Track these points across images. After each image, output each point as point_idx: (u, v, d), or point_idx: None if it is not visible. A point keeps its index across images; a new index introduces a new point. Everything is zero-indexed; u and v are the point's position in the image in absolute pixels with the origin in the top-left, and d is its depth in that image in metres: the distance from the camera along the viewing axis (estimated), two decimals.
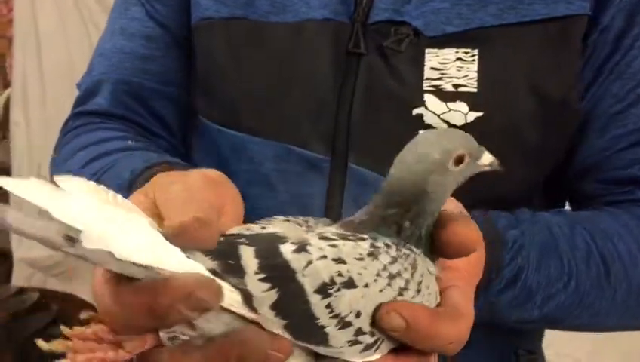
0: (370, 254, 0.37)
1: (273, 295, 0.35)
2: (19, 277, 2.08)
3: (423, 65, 0.58)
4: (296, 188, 0.60)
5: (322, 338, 0.36)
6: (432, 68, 0.58)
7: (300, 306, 0.35)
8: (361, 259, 0.37)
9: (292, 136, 0.60)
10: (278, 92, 0.61)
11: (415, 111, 0.57)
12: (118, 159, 0.59)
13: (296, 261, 0.36)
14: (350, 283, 0.36)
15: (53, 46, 1.98)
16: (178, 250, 0.34)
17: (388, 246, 0.39)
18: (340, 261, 0.36)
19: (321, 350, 0.36)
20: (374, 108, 0.59)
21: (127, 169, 0.55)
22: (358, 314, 0.36)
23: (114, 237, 0.32)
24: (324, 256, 0.36)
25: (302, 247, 0.36)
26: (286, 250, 0.36)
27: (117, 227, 0.33)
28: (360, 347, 0.37)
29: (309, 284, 0.35)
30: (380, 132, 0.58)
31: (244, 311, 0.34)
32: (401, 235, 0.40)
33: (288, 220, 0.42)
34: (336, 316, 0.36)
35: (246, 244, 0.36)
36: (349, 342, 0.36)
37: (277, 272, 0.35)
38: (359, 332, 0.36)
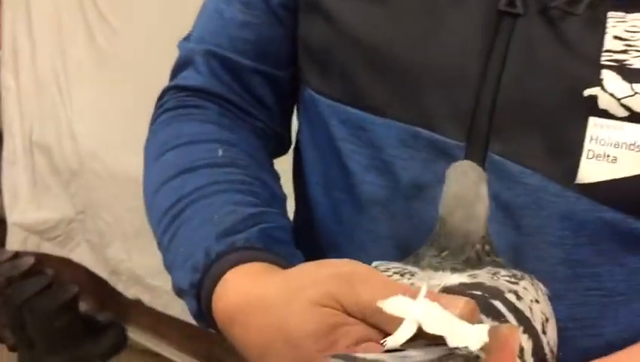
0: (536, 288, 0.42)
1: (530, 344, 0.39)
2: (13, 242, 2.08)
3: (603, 33, 0.46)
4: (421, 179, 0.51)
5: None
6: (616, 37, 0.46)
7: (541, 349, 0.40)
8: (539, 295, 0.42)
9: (421, 114, 0.50)
10: (412, 59, 0.51)
11: (587, 92, 0.46)
12: (196, 210, 0.52)
13: (524, 309, 0.40)
14: (547, 319, 0.41)
15: (42, 4, 1.93)
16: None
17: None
18: (537, 301, 0.41)
19: None
20: (530, 83, 0.48)
21: (201, 245, 0.48)
22: (555, 343, 0.42)
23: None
24: (532, 300, 0.41)
25: (518, 295, 0.40)
26: (513, 299, 0.40)
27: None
28: None
29: (539, 328, 0.40)
30: (534, 115, 0.48)
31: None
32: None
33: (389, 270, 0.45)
34: (551, 350, 0.41)
35: (493, 299, 0.39)
36: None
37: (524, 323, 0.39)
38: (557, 359, 0.42)
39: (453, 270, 0.43)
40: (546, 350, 0.40)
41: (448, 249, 0.43)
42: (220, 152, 0.56)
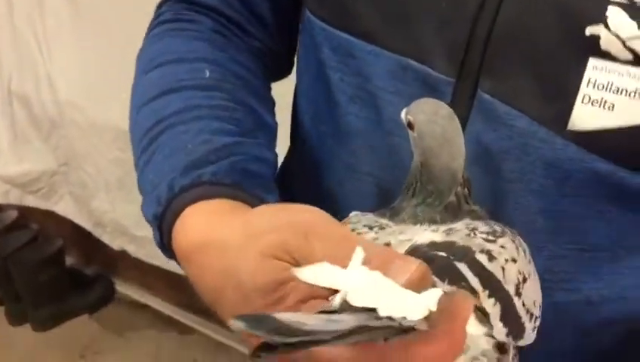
0: (517, 245, 0.40)
1: (498, 308, 0.37)
2: None
3: None
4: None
5: (522, 333, 0.39)
6: None
7: (513, 312, 0.38)
8: (519, 253, 0.40)
9: (412, 44, 0.48)
10: None
11: (589, 30, 0.42)
12: (171, 137, 0.50)
13: (495, 271, 0.38)
14: (524, 278, 0.39)
15: None
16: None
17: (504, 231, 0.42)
18: (513, 260, 0.39)
19: (518, 343, 0.39)
20: (529, 18, 0.45)
21: (168, 176, 0.47)
22: (534, 303, 0.40)
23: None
24: (507, 260, 0.39)
25: (490, 255, 0.38)
26: (484, 261, 0.38)
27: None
28: (535, 332, 0.41)
29: (512, 290, 0.38)
30: (530, 53, 0.45)
31: (485, 330, 0.37)
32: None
33: (370, 226, 0.43)
34: (527, 311, 0.39)
35: (457, 261, 0.38)
36: (532, 329, 0.40)
37: (492, 286, 0.38)
38: (536, 319, 0.40)
39: (432, 222, 0.42)
40: (521, 312, 0.39)
41: (429, 195, 0.42)
42: (207, 73, 0.53)
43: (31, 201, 1.98)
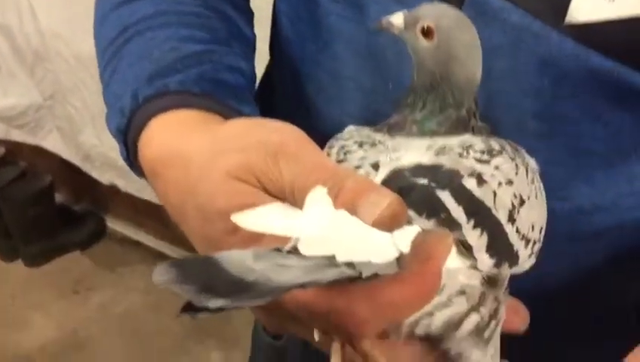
0: (516, 164, 0.38)
1: (484, 239, 0.34)
2: None
3: None
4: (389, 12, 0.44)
5: (516, 260, 0.37)
6: None
7: (503, 240, 0.35)
8: (517, 173, 0.37)
9: None
10: None
11: None
12: (138, 44, 0.46)
13: (485, 197, 0.35)
14: (521, 201, 0.37)
15: None
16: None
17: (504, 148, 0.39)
18: (509, 182, 0.36)
19: (512, 271, 0.37)
20: None
21: (132, 86, 0.43)
22: (532, 228, 0.38)
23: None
24: (500, 183, 0.36)
25: (480, 179, 0.35)
26: (472, 186, 0.35)
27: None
28: (533, 256, 0.38)
29: (503, 217, 0.35)
30: None
31: (467, 264, 0.34)
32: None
33: (361, 143, 0.40)
34: (523, 237, 0.37)
35: (440, 189, 0.34)
36: (529, 255, 0.38)
37: (479, 215, 0.35)
38: (534, 243, 0.38)
39: (435, 135, 0.39)
40: (513, 239, 0.36)
41: (445, 107, 0.40)
42: None
43: (18, 136, 1.96)
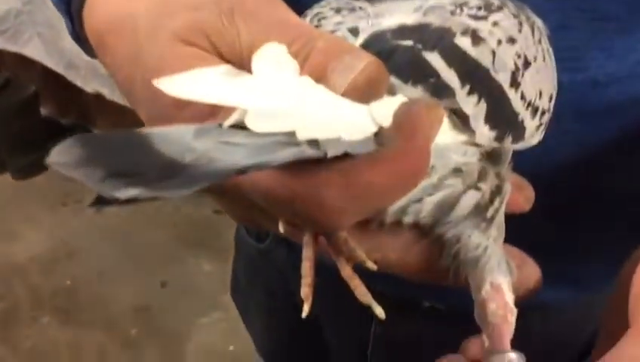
0: (520, 22, 0.33)
1: (482, 106, 0.30)
2: None
3: None
4: None
5: (522, 133, 0.32)
6: None
7: (505, 108, 0.31)
8: (520, 30, 0.32)
9: None
10: None
11: None
12: None
13: (482, 57, 0.30)
14: (526, 62, 0.32)
15: None
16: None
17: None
18: (511, 40, 0.31)
19: (516, 146, 0.32)
20: None
21: None
22: (540, 94, 0.33)
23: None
24: (500, 41, 0.31)
25: (476, 37, 0.30)
26: (466, 45, 0.30)
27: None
28: (542, 129, 0.33)
29: (504, 80, 0.31)
30: None
31: (461, 139, 0.29)
32: None
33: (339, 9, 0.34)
34: (529, 104, 0.32)
35: (427, 50, 0.29)
36: (537, 127, 0.33)
37: (476, 78, 0.30)
38: (542, 113, 0.33)
39: None
40: (517, 107, 0.31)
41: None
42: None
43: None
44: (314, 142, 0.22)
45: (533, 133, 0.33)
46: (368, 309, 0.30)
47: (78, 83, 1.88)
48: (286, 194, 0.24)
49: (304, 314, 0.30)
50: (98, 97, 1.91)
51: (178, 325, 1.73)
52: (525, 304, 0.56)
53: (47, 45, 1.86)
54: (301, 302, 0.30)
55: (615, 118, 0.45)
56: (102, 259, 1.91)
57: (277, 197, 0.24)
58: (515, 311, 0.31)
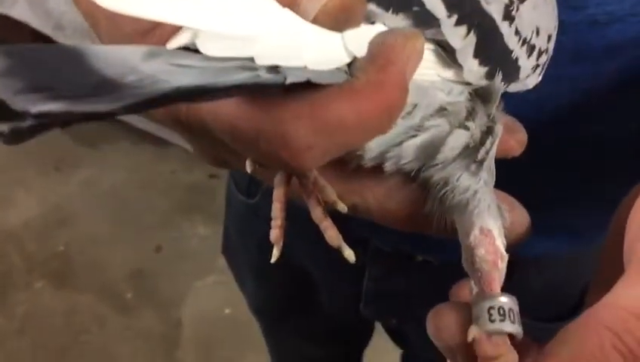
0: None
1: (472, 39, 0.27)
2: None
3: None
4: None
5: (516, 72, 0.30)
6: None
7: (496, 42, 0.28)
8: None
9: None
10: None
11: None
12: None
13: None
14: None
15: None
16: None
17: None
18: None
19: (510, 87, 0.30)
20: None
21: None
22: (537, 32, 0.30)
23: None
24: None
25: None
26: None
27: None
28: (539, 70, 0.31)
29: (496, 12, 0.28)
30: None
31: (449, 74, 0.27)
32: None
33: None
34: (524, 42, 0.29)
35: None
36: (534, 68, 0.31)
37: (464, 6, 0.27)
38: (540, 53, 0.31)
39: None
40: (511, 43, 0.29)
41: None
42: None
43: None
44: (274, 69, 0.20)
45: (529, 73, 0.30)
46: (338, 252, 0.28)
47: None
48: (250, 128, 0.22)
49: (273, 259, 0.28)
50: None
51: (173, 289, 1.72)
52: (520, 255, 0.54)
53: (33, 7, 1.82)
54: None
55: (614, 59, 0.42)
56: (96, 224, 1.89)
57: (241, 133, 0.23)
58: (505, 256, 0.28)
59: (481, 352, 0.26)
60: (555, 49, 0.33)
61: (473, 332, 0.26)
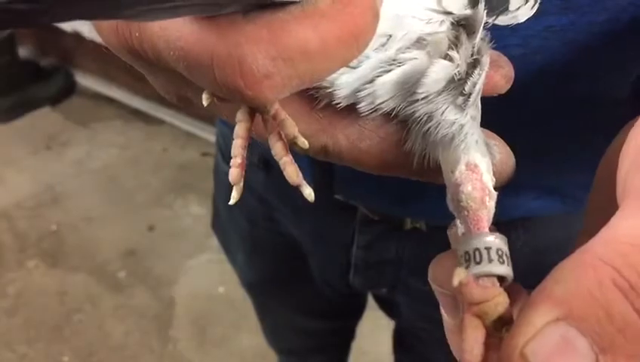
0: None
1: None
2: None
3: None
4: None
5: (505, 3, 0.27)
6: None
7: None
8: None
9: None
10: None
11: None
12: None
13: None
14: None
15: None
16: None
17: None
18: None
19: (500, 20, 0.27)
20: None
21: None
22: None
23: None
24: None
25: None
26: None
27: None
28: (531, 3, 0.28)
29: None
30: None
31: (429, 2, 0.24)
32: None
33: None
34: None
35: None
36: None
37: None
38: None
39: None
40: None
41: None
42: None
43: None
44: None
45: (520, 4, 0.28)
46: (297, 190, 0.25)
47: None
48: (203, 53, 0.20)
49: (232, 201, 0.25)
50: (77, 37, 1.85)
51: (166, 268, 1.71)
52: (508, 217, 0.52)
53: None
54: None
55: (604, 10, 0.40)
56: (88, 203, 1.88)
57: (193, 59, 0.21)
58: (494, 194, 0.26)
59: (469, 296, 0.23)
60: (544, 0, 0.32)
61: (460, 275, 0.23)
